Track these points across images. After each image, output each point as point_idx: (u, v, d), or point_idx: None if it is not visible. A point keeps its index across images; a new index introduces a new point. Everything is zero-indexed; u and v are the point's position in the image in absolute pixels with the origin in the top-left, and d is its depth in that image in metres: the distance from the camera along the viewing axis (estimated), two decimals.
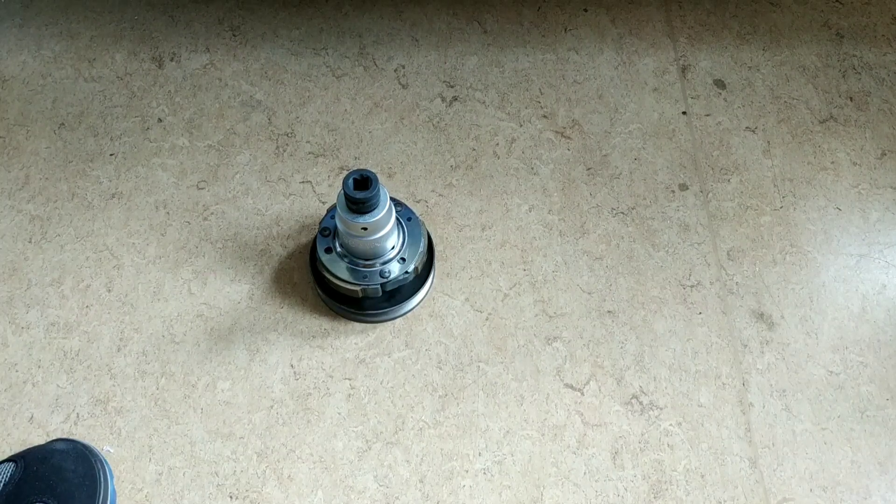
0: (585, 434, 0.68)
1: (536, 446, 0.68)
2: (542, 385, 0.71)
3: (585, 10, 0.96)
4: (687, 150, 0.85)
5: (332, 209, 0.73)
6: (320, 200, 0.81)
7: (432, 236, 0.77)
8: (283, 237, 0.79)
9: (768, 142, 0.86)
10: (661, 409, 0.70)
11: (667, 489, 0.66)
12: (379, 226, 0.66)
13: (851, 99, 0.89)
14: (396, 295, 0.72)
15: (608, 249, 0.78)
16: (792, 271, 0.77)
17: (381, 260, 0.70)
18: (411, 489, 0.66)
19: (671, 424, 0.69)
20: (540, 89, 0.89)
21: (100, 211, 0.79)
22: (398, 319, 0.74)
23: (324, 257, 0.70)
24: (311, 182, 0.82)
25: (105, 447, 0.67)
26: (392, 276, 0.70)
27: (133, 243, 0.78)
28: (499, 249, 0.78)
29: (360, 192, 0.63)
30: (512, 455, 0.67)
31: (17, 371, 0.71)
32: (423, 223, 0.74)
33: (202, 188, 0.81)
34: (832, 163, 0.85)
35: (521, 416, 0.69)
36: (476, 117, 0.87)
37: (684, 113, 0.87)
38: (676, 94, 0.89)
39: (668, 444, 0.68)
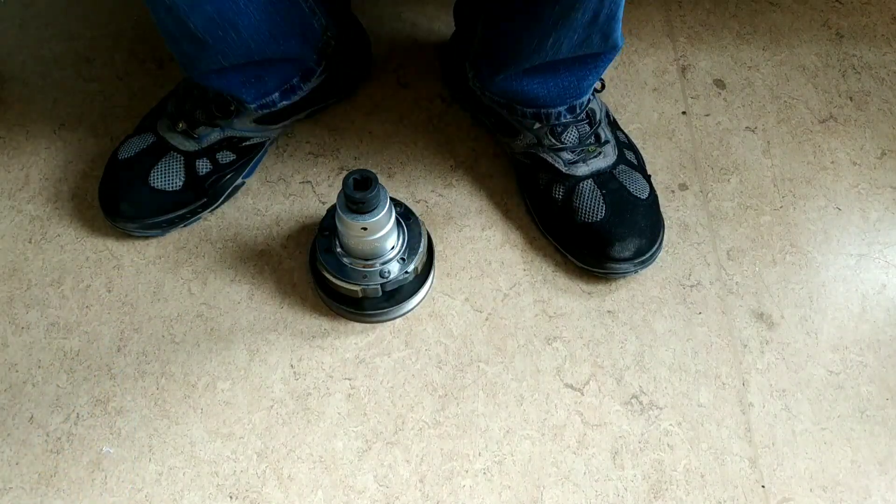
0: (585, 434, 0.68)
1: (536, 446, 0.68)
2: (542, 385, 0.71)
3: None
4: (687, 150, 0.85)
5: (332, 209, 0.73)
6: (320, 200, 0.81)
7: (432, 236, 0.77)
8: (283, 237, 0.79)
9: (768, 142, 0.86)
10: (661, 409, 0.70)
11: (667, 489, 0.66)
12: (379, 226, 0.66)
13: (851, 99, 0.89)
14: (396, 295, 0.72)
15: None
16: (792, 271, 0.77)
17: (381, 260, 0.70)
18: (411, 489, 0.66)
19: (671, 424, 0.69)
20: None
21: (100, 211, 0.79)
22: (398, 319, 0.74)
23: (324, 257, 0.70)
24: (311, 182, 0.82)
25: (105, 447, 0.67)
26: (392, 276, 0.70)
27: (133, 243, 0.78)
28: (499, 249, 0.78)
29: (360, 192, 0.63)
30: (512, 455, 0.67)
31: (17, 371, 0.71)
32: (423, 223, 0.74)
33: None
34: (832, 162, 0.85)
35: (521, 416, 0.69)
36: None
37: (684, 113, 0.88)
38: (676, 94, 0.89)
39: (668, 444, 0.68)
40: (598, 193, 0.73)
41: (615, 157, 0.75)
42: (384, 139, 0.85)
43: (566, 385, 0.71)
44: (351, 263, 0.70)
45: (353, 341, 0.73)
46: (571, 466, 0.67)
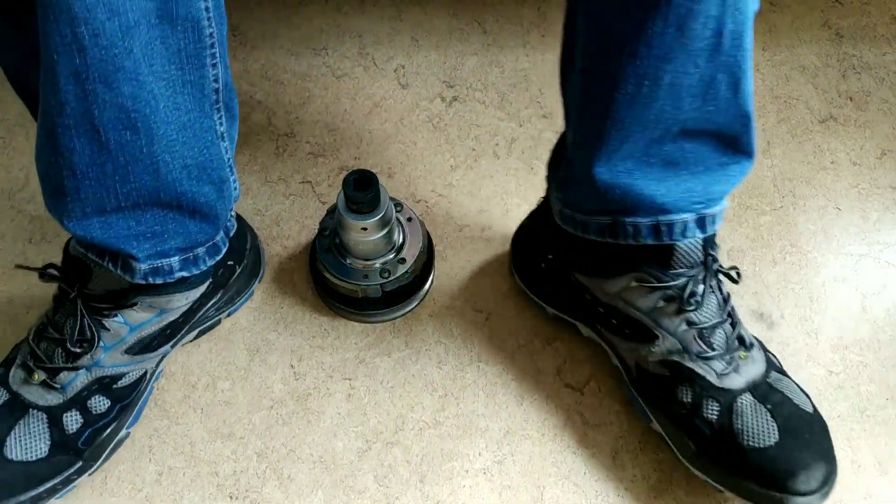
0: (585, 434, 0.68)
1: (536, 446, 0.68)
2: (542, 385, 0.71)
3: None
4: None
5: (332, 209, 0.73)
6: (320, 200, 0.81)
7: (432, 236, 0.77)
8: (283, 237, 0.79)
9: (768, 142, 0.86)
10: None
11: (667, 489, 0.66)
12: (379, 226, 0.66)
13: (851, 99, 0.89)
14: (396, 295, 0.72)
15: None
16: (792, 271, 0.77)
17: (381, 260, 0.70)
18: (411, 489, 0.66)
19: None
20: (540, 89, 0.89)
21: None
22: (398, 319, 0.74)
23: (324, 257, 0.70)
24: (311, 182, 0.82)
25: None
26: (392, 276, 0.70)
27: None
28: (499, 249, 0.78)
29: (360, 192, 0.63)
30: (512, 455, 0.67)
31: None
32: (423, 223, 0.74)
33: None
34: (832, 162, 0.85)
35: (521, 416, 0.69)
36: (476, 117, 0.87)
37: None
38: None
39: (668, 444, 0.68)
40: (763, 410, 0.59)
41: (764, 361, 0.63)
42: (384, 139, 0.85)
43: (566, 385, 0.71)
44: (351, 263, 0.70)
45: (353, 341, 0.73)
46: (571, 466, 0.67)
